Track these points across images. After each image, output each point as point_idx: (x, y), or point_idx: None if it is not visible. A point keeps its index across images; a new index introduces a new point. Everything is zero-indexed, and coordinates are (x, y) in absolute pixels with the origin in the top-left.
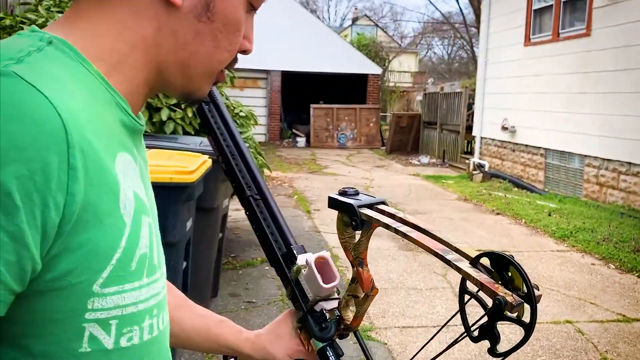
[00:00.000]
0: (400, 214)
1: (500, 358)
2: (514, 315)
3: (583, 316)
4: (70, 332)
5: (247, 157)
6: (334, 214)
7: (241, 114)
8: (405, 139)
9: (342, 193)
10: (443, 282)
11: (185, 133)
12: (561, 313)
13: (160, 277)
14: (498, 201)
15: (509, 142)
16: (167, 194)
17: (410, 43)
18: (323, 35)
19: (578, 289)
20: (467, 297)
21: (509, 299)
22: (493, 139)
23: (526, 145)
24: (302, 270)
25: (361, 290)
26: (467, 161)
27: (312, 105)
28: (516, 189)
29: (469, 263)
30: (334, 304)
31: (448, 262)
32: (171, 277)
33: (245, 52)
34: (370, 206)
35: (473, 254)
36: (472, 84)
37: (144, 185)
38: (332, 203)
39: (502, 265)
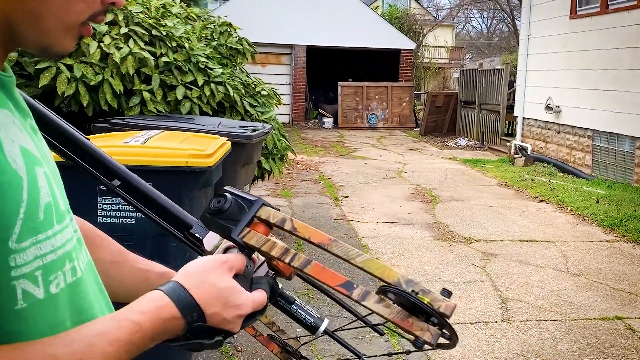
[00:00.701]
0: (288, 222)
1: None
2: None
3: (634, 312)
4: (3, 293)
5: (89, 144)
6: (364, 200)
7: (262, 92)
8: (441, 120)
9: (215, 212)
10: (482, 274)
11: (203, 113)
12: (610, 308)
13: (70, 222)
14: (541, 187)
15: (554, 123)
16: (182, 179)
17: (447, 16)
18: (352, 7)
19: (629, 282)
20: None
21: (427, 336)
22: (536, 120)
23: (572, 127)
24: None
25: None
26: (508, 144)
27: (340, 83)
28: (561, 173)
29: (377, 293)
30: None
31: (356, 302)
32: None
33: (113, 4)
34: (252, 219)
35: (378, 270)
36: (514, 60)
37: (30, 136)
38: (207, 224)
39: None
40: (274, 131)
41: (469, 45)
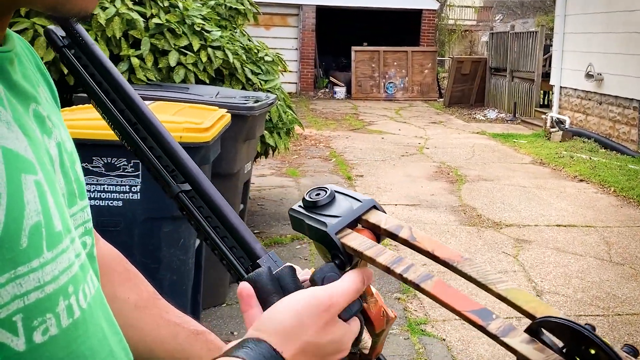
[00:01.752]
0: (405, 229)
1: None
2: None
3: None
4: None
5: (159, 127)
6: (380, 180)
7: (266, 58)
8: (468, 89)
9: (309, 204)
10: (514, 264)
11: (199, 82)
12: None
13: (70, 245)
14: (581, 165)
15: (595, 92)
16: None
17: None
18: None
19: None
20: None
21: None
22: (575, 90)
23: (616, 97)
24: None
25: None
26: (543, 116)
27: (354, 48)
28: (603, 150)
29: (526, 331)
30: None
31: (493, 337)
32: (181, 258)
33: None
34: (357, 221)
35: (527, 303)
36: (550, 22)
37: (26, 130)
38: (296, 223)
39: (579, 343)
40: (279, 102)
41: (500, 4)
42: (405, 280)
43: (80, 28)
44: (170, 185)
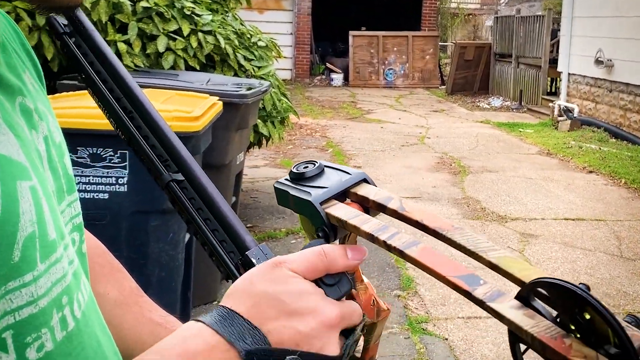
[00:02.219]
0: (395, 201)
1: None
2: None
3: None
4: None
5: (155, 115)
6: (379, 171)
7: (260, 43)
8: (471, 76)
9: (296, 176)
10: (520, 259)
11: (189, 68)
12: None
13: (63, 253)
14: (590, 155)
15: (605, 79)
16: None
17: None
18: None
19: None
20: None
21: None
22: (584, 76)
23: (627, 84)
24: None
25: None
26: (550, 104)
27: (352, 33)
28: (614, 139)
29: (516, 297)
30: None
31: (479, 304)
32: (170, 253)
33: None
34: (345, 194)
35: (521, 271)
36: (557, 5)
37: (14, 127)
38: (281, 196)
39: (573, 307)
40: (273, 89)
41: None
42: (390, 248)
43: (82, 15)
44: (161, 174)
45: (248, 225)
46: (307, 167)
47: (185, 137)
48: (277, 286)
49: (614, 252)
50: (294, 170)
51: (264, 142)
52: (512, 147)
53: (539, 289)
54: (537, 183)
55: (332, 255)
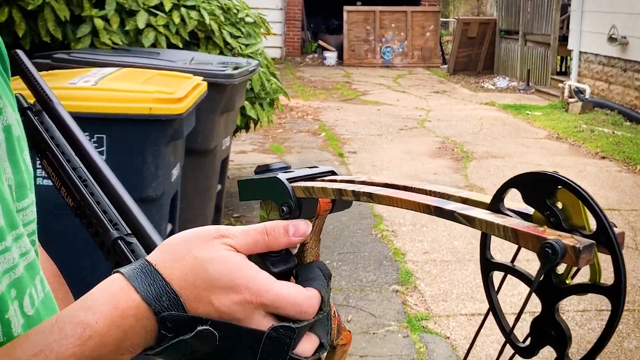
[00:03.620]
0: (363, 177)
1: None
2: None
3: None
4: None
5: (112, 181)
6: (376, 157)
7: (247, 19)
8: (475, 55)
9: (261, 169)
10: (527, 252)
11: (171, 46)
12: None
13: (13, 243)
14: (603, 140)
15: (619, 58)
16: (145, 131)
17: None
18: None
19: None
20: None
21: (568, 241)
22: (596, 55)
23: None
24: None
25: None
26: (560, 85)
27: (346, 8)
28: (628, 123)
29: (488, 208)
30: None
31: (449, 216)
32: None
33: None
34: (311, 179)
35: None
36: None
37: None
38: (244, 187)
39: (544, 195)
40: (261, 69)
41: None
42: (358, 196)
43: (48, 90)
44: (108, 232)
45: (234, 215)
46: (273, 163)
47: (166, 121)
48: (209, 256)
49: (628, 244)
50: (260, 165)
51: (252, 125)
52: (518, 131)
53: (509, 189)
54: (546, 169)
55: (274, 232)
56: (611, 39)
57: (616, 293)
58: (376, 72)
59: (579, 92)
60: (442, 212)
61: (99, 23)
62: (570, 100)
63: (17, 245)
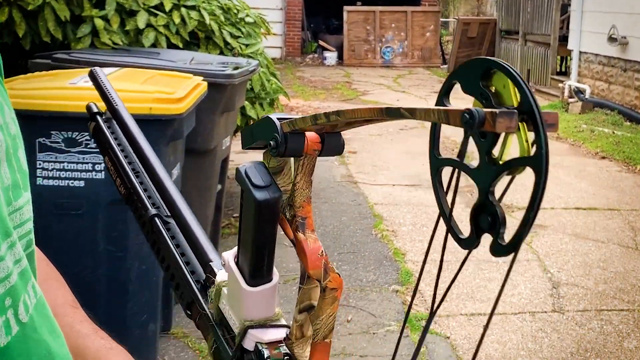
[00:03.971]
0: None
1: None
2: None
3: None
4: None
5: (160, 172)
6: (376, 157)
7: (247, 19)
8: (475, 55)
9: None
10: (527, 252)
11: (171, 46)
12: None
13: (7, 252)
14: (603, 140)
15: (619, 58)
16: (144, 131)
17: None
18: None
19: None
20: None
21: (488, 110)
22: (596, 55)
23: None
24: (224, 289)
25: (312, 285)
26: (560, 85)
27: (346, 8)
28: (628, 123)
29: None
30: (277, 333)
31: (396, 113)
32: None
33: None
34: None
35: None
36: None
37: None
38: (246, 135)
39: (478, 80)
40: (261, 69)
41: None
42: (329, 116)
43: (116, 97)
44: (147, 209)
45: (234, 215)
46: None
47: (167, 121)
48: None
49: (628, 243)
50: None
51: None
52: None
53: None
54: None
55: None
56: (611, 39)
57: (539, 161)
58: (376, 72)
59: (579, 92)
60: (390, 111)
61: (99, 23)
62: (570, 100)
63: (11, 253)
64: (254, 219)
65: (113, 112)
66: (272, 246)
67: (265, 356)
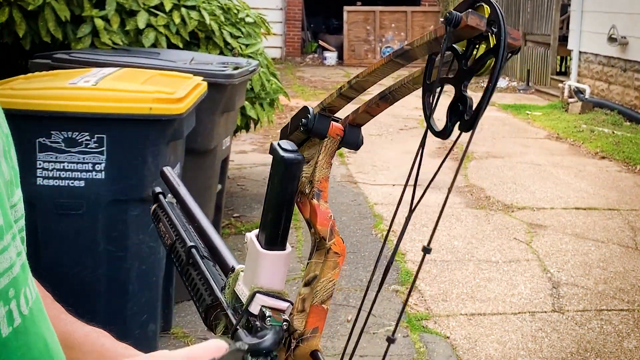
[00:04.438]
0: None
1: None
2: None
3: None
4: None
5: (201, 220)
6: (376, 157)
7: (247, 19)
8: None
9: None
10: (527, 252)
11: (171, 46)
12: None
13: (11, 242)
14: (603, 140)
15: (619, 58)
16: (145, 130)
17: None
18: None
19: None
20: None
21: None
22: (596, 55)
23: None
24: (241, 273)
25: (319, 259)
26: (560, 85)
27: (346, 8)
28: (628, 123)
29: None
30: (281, 303)
31: (400, 57)
32: (152, 245)
33: None
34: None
35: None
36: None
37: None
38: (288, 127)
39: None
40: (261, 69)
41: None
42: (351, 83)
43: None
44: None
45: (235, 215)
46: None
47: (167, 121)
48: None
49: (628, 243)
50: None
51: (252, 125)
52: (518, 131)
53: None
54: (545, 170)
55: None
56: (611, 39)
57: (496, 47)
58: None
59: (578, 92)
60: (396, 54)
61: (100, 23)
62: (570, 100)
63: (14, 244)
64: (280, 177)
65: (181, 203)
66: (289, 211)
67: (267, 315)
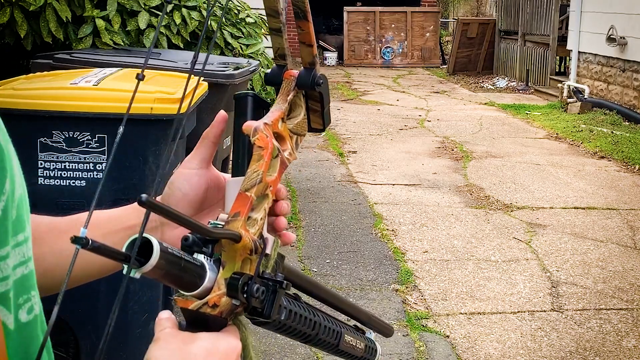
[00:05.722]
0: None
1: None
2: None
3: None
4: None
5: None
6: (376, 156)
7: (248, 19)
8: (475, 55)
9: None
10: (526, 251)
11: (172, 46)
12: None
13: (28, 239)
14: (602, 140)
15: (618, 58)
16: (146, 130)
17: None
18: None
19: None
20: None
21: None
22: (595, 55)
23: None
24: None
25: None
26: (559, 85)
27: (346, 8)
28: (627, 123)
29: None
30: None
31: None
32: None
33: None
34: None
35: None
36: None
37: None
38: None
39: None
40: (262, 69)
41: None
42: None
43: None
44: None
45: None
46: None
47: (168, 120)
48: None
49: (627, 243)
50: None
51: None
52: (518, 131)
53: None
54: (544, 169)
55: None
56: (610, 39)
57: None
58: (376, 72)
59: (577, 92)
60: None
61: (101, 23)
62: (569, 100)
63: (26, 245)
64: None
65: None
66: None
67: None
